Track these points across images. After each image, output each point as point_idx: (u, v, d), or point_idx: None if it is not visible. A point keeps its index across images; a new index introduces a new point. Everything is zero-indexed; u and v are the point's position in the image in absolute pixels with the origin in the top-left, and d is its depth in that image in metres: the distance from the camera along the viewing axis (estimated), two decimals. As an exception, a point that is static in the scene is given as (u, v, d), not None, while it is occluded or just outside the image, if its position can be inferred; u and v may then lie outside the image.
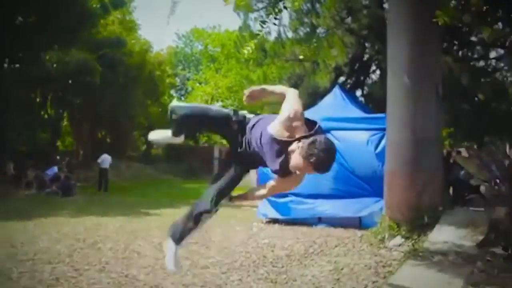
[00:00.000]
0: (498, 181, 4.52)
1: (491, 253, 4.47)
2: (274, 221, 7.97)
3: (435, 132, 5.91)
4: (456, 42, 11.16)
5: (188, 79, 32.78)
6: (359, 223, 7.24)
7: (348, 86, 11.30)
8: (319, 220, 7.72)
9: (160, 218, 8.71)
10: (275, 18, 7.20)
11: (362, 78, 11.97)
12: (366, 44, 10.96)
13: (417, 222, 5.40)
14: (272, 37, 12.16)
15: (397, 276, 3.89)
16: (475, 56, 11.54)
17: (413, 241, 5.25)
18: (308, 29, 11.17)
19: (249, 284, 4.15)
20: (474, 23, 9.84)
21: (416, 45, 5.61)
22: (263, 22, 5.78)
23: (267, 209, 8.22)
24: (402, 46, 5.73)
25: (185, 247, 5.63)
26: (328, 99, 9.10)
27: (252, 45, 7.60)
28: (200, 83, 28.45)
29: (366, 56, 11.52)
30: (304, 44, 10.30)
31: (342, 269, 4.54)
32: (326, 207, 7.67)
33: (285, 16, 15.61)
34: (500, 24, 10.13)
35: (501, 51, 11.20)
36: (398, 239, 5.37)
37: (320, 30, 11.17)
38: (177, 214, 9.49)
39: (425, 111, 5.69)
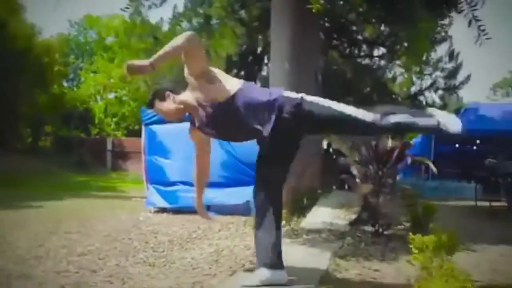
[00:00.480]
0: (367, 162, 4.83)
1: (361, 230, 4.78)
2: (163, 210, 7.86)
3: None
4: (344, 40, 11.74)
5: (81, 69, 31.29)
6: (248, 210, 7.35)
7: (242, 78, 11.40)
8: (208, 208, 7.72)
9: (43, 210, 8.24)
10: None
11: (255, 70, 12.14)
12: (260, 37, 11.14)
13: (297, 204, 5.60)
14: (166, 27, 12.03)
15: None
16: (361, 53, 12.23)
17: (292, 222, 5.44)
18: (201, 20, 11.15)
19: (126, 269, 4.02)
20: (358, 21, 10.44)
21: (297, 33, 5.79)
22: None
23: (155, 199, 8.09)
24: (284, 33, 5.88)
25: (63, 236, 5.44)
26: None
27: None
28: (93, 73, 27.22)
29: (259, 49, 11.70)
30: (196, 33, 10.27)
31: (222, 250, 4.59)
32: (215, 195, 7.70)
33: (180, 5, 15.47)
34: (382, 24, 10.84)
35: (384, 50, 12.00)
36: (289, 222, 5.53)
37: (215, 21, 11.21)
38: (62, 206, 9.08)
39: (305, 97, 5.89)
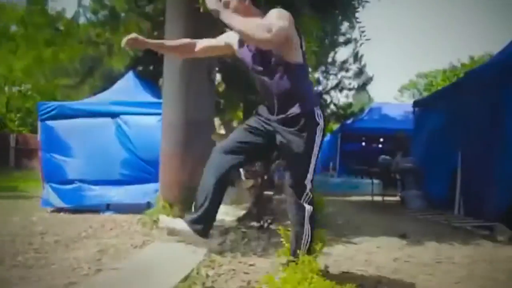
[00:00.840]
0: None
1: (249, 225, 4.85)
2: (60, 210, 7.54)
3: (207, 115, 6.15)
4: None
5: (-18, 60, 29.18)
6: (148, 208, 7.23)
7: (149, 74, 11.17)
8: (107, 207, 7.54)
9: None
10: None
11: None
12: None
13: (189, 201, 5.55)
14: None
15: (146, 250, 3.93)
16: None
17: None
18: (107, 12, 10.79)
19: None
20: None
21: (189, 31, 5.75)
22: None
23: (52, 198, 7.73)
24: (176, 27, 5.84)
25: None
26: (120, 83, 8.92)
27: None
28: (-5, 64, 25.43)
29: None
30: (100, 26, 9.94)
31: (108, 250, 4.47)
32: (114, 193, 7.52)
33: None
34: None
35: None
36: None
37: (123, 14, 10.87)
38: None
39: (197, 94, 5.88)
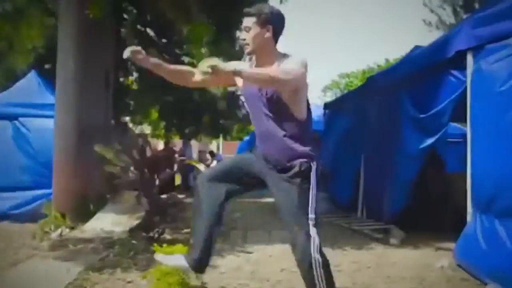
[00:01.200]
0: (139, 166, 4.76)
1: (140, 237, 4.68)
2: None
3: (103, 120, 5.93)
4: (166, 40, 11.50)
5: None
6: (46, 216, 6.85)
7: (55, 74, 10.65)
8: (5, 216, 7.06)
9: None
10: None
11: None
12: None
13: (83, 211, 5.33)
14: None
15: (18, 269, 3.68)
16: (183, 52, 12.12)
17: (68, 230, 5.15)
18: (9, 5, 10.14)
19: None
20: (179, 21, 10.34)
21: (84, 32, 5.54)
22: None
23: None
24: (70, 30, 5.60)
25: None
26: (21, 83, 8.40)
27: None
28: None
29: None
30: (1, 20, 9.33)
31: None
32: (11, 201, 7.07)
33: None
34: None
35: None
36: (61, 230, 5.21)
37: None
38: None
39: (92, 98, 5.66)
